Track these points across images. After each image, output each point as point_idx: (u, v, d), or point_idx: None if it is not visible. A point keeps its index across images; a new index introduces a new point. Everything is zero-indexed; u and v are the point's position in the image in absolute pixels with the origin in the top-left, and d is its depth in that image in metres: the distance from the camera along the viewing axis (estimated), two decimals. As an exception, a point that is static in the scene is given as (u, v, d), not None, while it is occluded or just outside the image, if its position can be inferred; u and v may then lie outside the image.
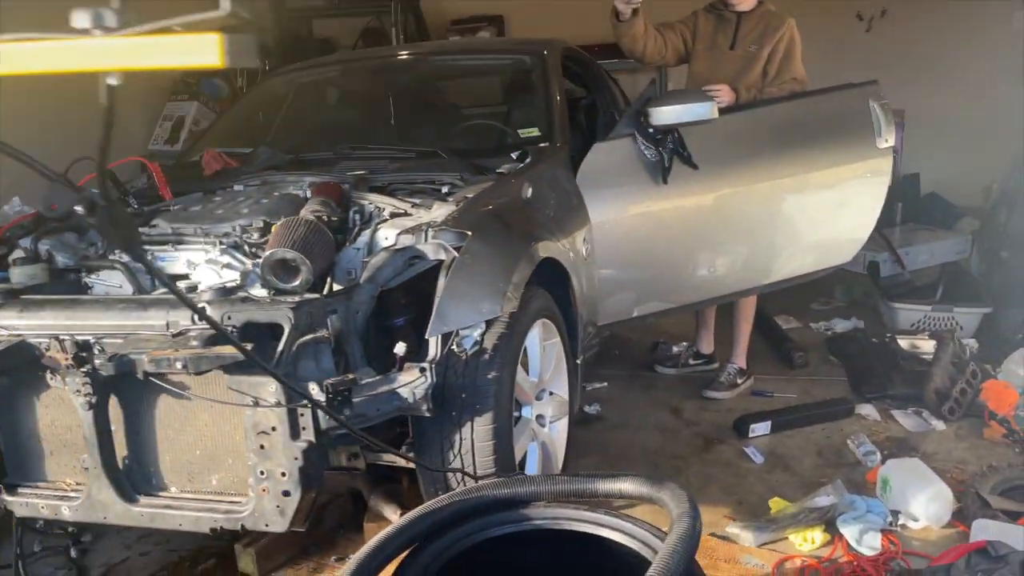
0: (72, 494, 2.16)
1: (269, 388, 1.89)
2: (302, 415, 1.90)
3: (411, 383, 1.99)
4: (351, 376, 1.87)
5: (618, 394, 3.78)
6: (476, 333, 2.08)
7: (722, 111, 3.08)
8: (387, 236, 2.22)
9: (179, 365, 1.85)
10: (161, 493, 2.12)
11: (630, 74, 6.11)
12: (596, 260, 2.95)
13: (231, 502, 2.05)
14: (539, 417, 2.47)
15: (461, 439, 2.07)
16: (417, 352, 2.11)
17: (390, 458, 2.26)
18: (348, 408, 1.90)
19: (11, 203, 2.82)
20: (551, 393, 2.59)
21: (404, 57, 3.58)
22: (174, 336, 1.96)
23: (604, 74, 4.09)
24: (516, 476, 2.01)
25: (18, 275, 2.37)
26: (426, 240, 2.16)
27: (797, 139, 3.32)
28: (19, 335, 2.07)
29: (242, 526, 2.02)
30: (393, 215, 2.36)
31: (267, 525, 2.00)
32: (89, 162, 2.72)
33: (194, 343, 1.89)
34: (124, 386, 2.04)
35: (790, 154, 3.32)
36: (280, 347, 1.90)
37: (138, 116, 5.75)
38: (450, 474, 2.12)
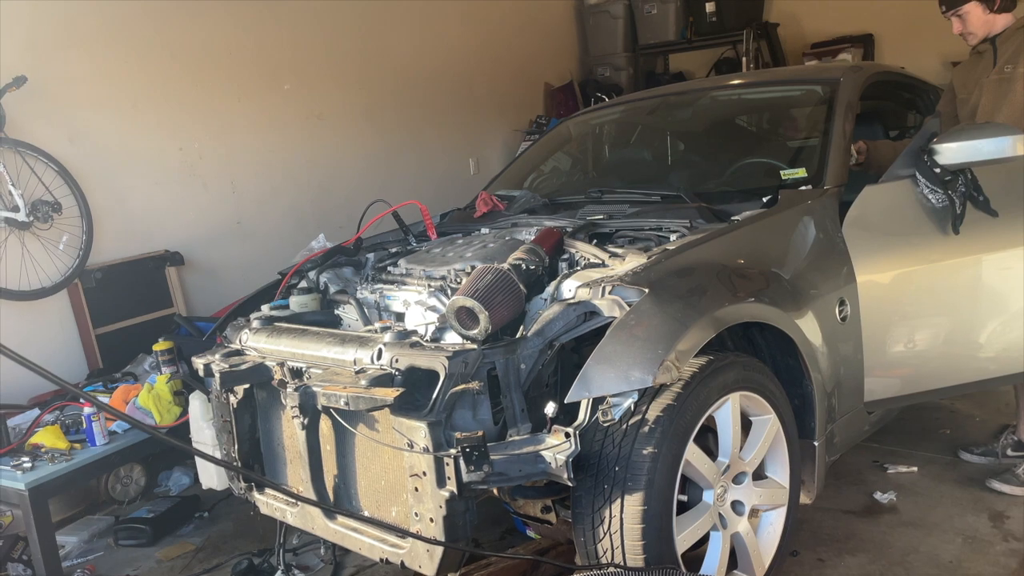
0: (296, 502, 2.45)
1: (420, 433, 1.93)
2: (448, 464, 1.92)
3: (555, 447, 1.88)
4: (479, 433, 1.83)
5: (927, 483, 3.12)
6: (627, 402, 1.88)
7: None
8: (569, 288, 2.13)
9: (343, 402, 2.00)
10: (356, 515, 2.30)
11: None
12: (861, 325, 2.48)
13: (399, 536, 2.14)
14: (735, 504, 2.14)
15: (611, 516, 1.90)
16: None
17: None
18: (487, 464, 1.86)
19: (317, 239, 3.32)
20: (765, 477, 2.24)
21: (683, 95, 3.41)
22: (356, 373, 2.11)
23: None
24: (662, 568, 1.77)
25: (293, 303, 2.76)
26: (602, 295, 2.03)
27: None
28: (262, 357, 2.42)
29: (401, 563, 2.10)
30: (588, 266, 2.26)
31: (419, 567, 2.05)
32: (382, 204, 3.12)
33: (363, 382, 2.02)
34: (332, 412, 2.24)
35: None
36: (435, 394, 1.94)
37: (496, 154, 6.34)
38: (601, 546, 1.95)
